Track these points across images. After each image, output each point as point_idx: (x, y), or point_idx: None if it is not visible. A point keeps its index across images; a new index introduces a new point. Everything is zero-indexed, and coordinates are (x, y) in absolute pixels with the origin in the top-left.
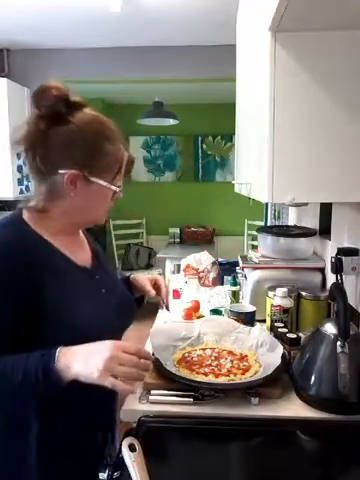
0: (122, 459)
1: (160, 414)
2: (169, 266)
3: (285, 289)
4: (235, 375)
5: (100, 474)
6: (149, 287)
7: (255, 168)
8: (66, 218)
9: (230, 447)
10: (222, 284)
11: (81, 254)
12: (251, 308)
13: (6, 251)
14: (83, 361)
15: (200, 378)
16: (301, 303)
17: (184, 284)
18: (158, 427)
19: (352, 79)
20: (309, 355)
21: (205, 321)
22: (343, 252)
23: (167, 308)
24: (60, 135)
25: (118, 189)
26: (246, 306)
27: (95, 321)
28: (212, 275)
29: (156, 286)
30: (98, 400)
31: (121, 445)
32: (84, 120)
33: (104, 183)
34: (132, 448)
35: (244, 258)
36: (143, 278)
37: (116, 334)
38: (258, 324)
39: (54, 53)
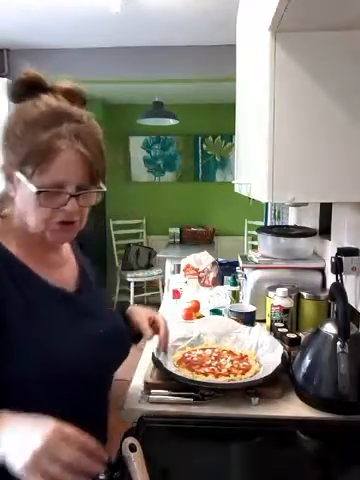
0: (122, 459)
1: (160, 414)
2: (169, 266)
3: (285, 289)
4: (235, 375)
5: (100, 474)
6: (146, 325)
7: (255, 168)
8: (22, 227)
9: (230, 447)
10: (222, 284)
11: (62, 273)
12: (251, 308)
13: None
14: (17, 440)
15: (200, 378)
16: (301, 303)
17: (184, 284)
18: (158, 427)
19: (352, 79)
20: (309, 355)
21: (205, 321)
22: (343, 252)
23: (165, 351)
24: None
25: (34, 189)
26: (246, 306)
27: (75, 356)
28: (212, 275)
29: (155, 325)
30: None
31: (121, 445)
32: (22, 105)
33: (23, 179)
34: (132, 448)
35: (244, 258)
36: (141, 313)
37: (107, 370)
38: (258, 324)
39: (54, 53)
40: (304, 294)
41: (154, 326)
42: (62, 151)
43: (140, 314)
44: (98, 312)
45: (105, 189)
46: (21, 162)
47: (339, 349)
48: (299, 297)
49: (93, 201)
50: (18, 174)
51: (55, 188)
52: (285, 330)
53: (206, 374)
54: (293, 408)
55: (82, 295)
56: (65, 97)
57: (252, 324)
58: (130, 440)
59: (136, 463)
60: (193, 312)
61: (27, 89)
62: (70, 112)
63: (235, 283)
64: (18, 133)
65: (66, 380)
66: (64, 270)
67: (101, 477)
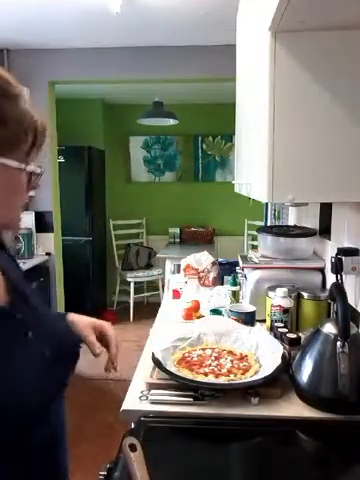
0: (122, 459)
1: (160, 414)
2: (169, 266)
3: (285, 289)
4: (235, 375)
5: (100, 473)
6: (93, 339)
7: (255, 168)
8: None
9: (230, 447)
10: (222, 284)
11: None
12: (251, 308)
13: None
14: None
15: (200, 378)
16: (301, 303)
17: (184, 284)
18: (158, 427)
19: (352, 79)
20: (309, 355)
21: (205, 321)
22: (343, 252)
23: (115, 369)
24: None
25: (39, 169)
26: (246, 306)
27: (11, 390)
28: (212, 275)
29: (104, 339)
30: None
31: (121, 445)
32: None
33: (10, 162)
34: (133, 448)
35: (244, 258)
36: (84, 323)
37: (55, 397)
38: (258, 324)
39: (54, 53)
40: (304, 294)
41: (103, 339)
42: (36, 122)
43: (84, 324)
44: (40, 324)
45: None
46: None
47: (339, 349)
48: (299, 297)
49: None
50: (3, 160)
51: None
52: (285, 330)
53: (206, 374)
54: (293, 408)
55: (17, 307)
56: None
57: (252, 324)
58: (130, 440)
59: (136, 463)
60: (193, 312)
61: None
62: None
63: (235, 283)
64: None
65: (14, 417)
66: None
67: (101, 477)
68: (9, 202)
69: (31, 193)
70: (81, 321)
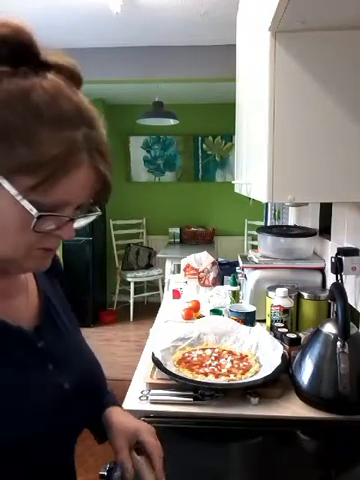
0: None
1: (160, 414)
2: (169, 266)
3: (285, 289)
4: (235, 375)
5: (100, 473)
6: (123, 455)
7: (255, 168)
8: None
9: (230, 447)
10: (222, 284)
11: (16, 305)
12: (251, 308)
13: None
14: None
15: (200, 378)
16: (301, 303)
17: (184, 284)
18: (158, 427)
19: (352, 79)
20: (309, 355)
21: (205, 321)
22: (343, 252)
23: None
24: None
25: (34, 211)
26: (246, 306)
27: (27, 416)
28: (212, 275)
29: (146, 454)
30: None
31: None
32: (29, 83)
33: (12, 190)
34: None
35: (244, 258)
36: (119, 429)
37: (69, 438)
38: (258, 324)
39: None
40: (304, 294)
41: (142, 448)
42: (80, 168)
43: (119, 432)
44: (65, 356)
45: (100, 213)
46: (14, 166)
47: (339, 349)
48: (299, 297)
49: (85, 224)
50: (1, 180)
51: (57, 211)
52: (285, 330)
53: (206, 374)
54: (293, 408)
55: (43, 334)
56: (69, 80)
57: (252, 324)
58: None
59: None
60: (193, 312)
61: (13, 53)
62: (90, 114)
63: (235, 283)
64: (14, 122)
65: (9, 460)
66: (18, 302)
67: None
68: (6, 235)
69: (61, 234)
70: (118, 424)
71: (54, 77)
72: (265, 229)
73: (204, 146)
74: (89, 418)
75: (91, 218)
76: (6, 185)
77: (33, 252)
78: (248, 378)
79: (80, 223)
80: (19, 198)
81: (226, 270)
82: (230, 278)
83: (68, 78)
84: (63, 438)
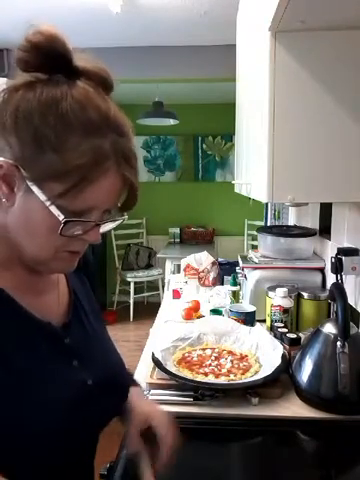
0: (122, 458)
1: None
2: (169, 266)
3: (285, 289)
4: (235, 375)
5: (100, 473)
6: (132, 432)
7: (255, 168)
8: (5, 240)
9: (230, 447)
10: (222, 284)
11: (47, 301)
12: (251, 308)
13: None
14: None
15: (200, 378)
16: (301, 303)
17: (184, 284)
18: None
19: (352, 79)
20: (309, 355)
21: (205, 321)
22: (343, 252)
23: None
24: (12, 104)
25: (62, 217)
26: (246, 306)
27: (50, 409)
28: (212, 275)
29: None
30: None
31: (121, 445)
32: (60, 92)
33: (41, 195)
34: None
35: (244, 258)
36: (137, 412)
37: (91, 433)
38: (258, 324)
39: None
40: (304, 294)
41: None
42: (107, 175)
43: (136, 415)
44: (89, 353)
45: (126, 217)
46: (44, 173)
47: (339, 349)
48: (299, 297)
49: (111, 228)
50: (31, 185)
51: (84, 216)
52: (285, 330)
53: (206, 374)
54: (293, 408)
55: (70, 331)
56: (99, 87)
57: (252, 324)
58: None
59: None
60: (193, 312)
61: (46, 61)
62: (118, 122)
63: (235, 283)
64: (45, 129)
65: (31, 453)
66: (49, 298)
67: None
68: (37, 239)
69: (87, 238)
70: (133, 407)
71: (84, 85)
72: (265, 229)
73: (204, 146)
74: (110, 416)
75: (117, 222)
76: (36, 190)
77: (60, 254)
78: (248, 378)
79: (106, 227)
80: (48, 203)
81: (226, 270)
82: (230, 278)
83: (98, 84)
84: (83, 434)
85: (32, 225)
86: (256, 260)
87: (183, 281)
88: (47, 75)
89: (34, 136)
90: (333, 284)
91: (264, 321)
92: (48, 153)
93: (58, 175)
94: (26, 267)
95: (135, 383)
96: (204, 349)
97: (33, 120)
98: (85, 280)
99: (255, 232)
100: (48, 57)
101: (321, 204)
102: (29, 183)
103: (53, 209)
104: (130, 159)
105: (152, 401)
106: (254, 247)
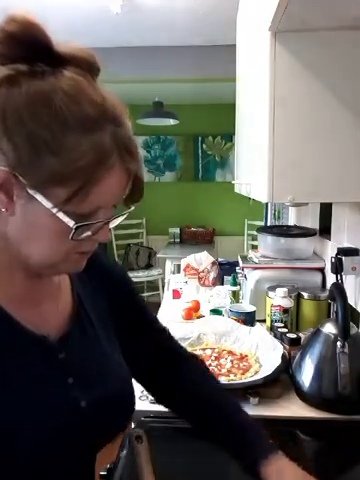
0: (123, 458)
1: (160, 414)
2: (169, 266)
3: (285, 289)
4: (235, 375)
5: (100, 473)
6: None
7: (255, 168)
8: (5, 249)
9: None
10: (222, 284)
11: (45, 311)
12: (251, 308)
13: None
14: None
15: None
16: (301, 303)
17: (184, 284)
18: (158, 427)
19: (352, 79)
20: (309, 355)
21: (205, 321)
22: (343, 252)
23: None
24: None
25: (72, 223)
26: (246, 306)
27: (38, 430)
28: (212, 275)
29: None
30: None
31: (123, 440)
32: (49, 86)
33: (47, 203)
34: (139, 440)
35: (244, 258)
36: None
37: (88, 453)
38: (258, 324)
39: None
40: (304, 294)
41: None
42: (112, 172)
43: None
44: (88, 369)
45: (133, 208)
46: (45, 178)
47: (339, 349)
48: (299, 297)
49: (119, 223)
50: (33, 193)
51: (93, 216)
52: (285, 330)
53: None
54: (293, 408)
55: (68, 343)
56: (87, 73)
57: (252, 324)
58: (137, 432)
59: (143, 456)
60: (193, 312)
61: (25, 51)
62: (115, 110)
63: (235, 283)
64: (39, 130)
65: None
66: (47, 308)
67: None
68: (44, 246)
69: (98, 238)
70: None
71: (72, 74)
72: (265, 229)
73: (204, 146)
74: (108, 437)
75: (124, 216)
76: (40, 198)
77: (70, 256)
78: (248, 378)
79: (115, 223)
80: (55, 211)
81: (226, 270)
82: (230, 278)
83: (86, 71)
84: (75, 456)
85: (39, 233)
86: (256, 260)
87: (183, 281)
88: (28, 66)
89: (28, 139)
90: (333, 284)
91: (264, 321)
92: (46, 157)
93: (61, 179)
94: (26, 275)
95: (266, 442)
96: (204, 349)
97: (24, 121)
98: (95, 283)
99: (255, 232)
100: (27, 46)
101: (321, 204)
102: (30, 191)
103: (61, 216)
104: (132, 150)
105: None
106: (254, 247)
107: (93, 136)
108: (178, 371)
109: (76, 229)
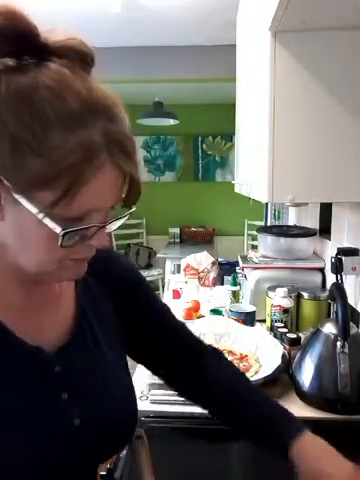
0: (123, 457)
1: (160, 414)
2: (169, 266)
3: (285, 289)
4: None
5: (100, 473)
6: None
7: (255, 168)
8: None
9: (230, 447)
10: (222, 284)
11: (43, 321)
12: (251, 308)
13: None
14: None
15: None
16: (301, 303)
17: (184, 284)
18: (158, 427)
19: (352, 79)
20: (309, 355)
21: (205, 321)
22: (343, 252)
23: None
24: None
25: (59, 229)
26: (246, 306)
27: (25, 456)
28: (212, 275)
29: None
30: None
31: None
32: (29, 82)
33: (32, 208)
34: (139, 440)
35: (244, 258)
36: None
37: (84, 468)
38: (258, 324)
39: None
40: (304, 294)
41: None
42: (102, 170)
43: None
44: (85, 384)
45: (134, 209)
46: (29, 181)
47: (339, 349)
48: (299, 297)
49: (118, 226)
50: (18, 197)
51: (84, 220)
52: (285, 330)
53: None
54: (293, 408)
55: (66, 356)
56: (76, 64)
57: (252, 324)
58: (137, 432)
59: (143, 456)
60: (193, 312)
61: (10, 44)
62: (106, 104)
63: (235, 283)
64: (20, 130)
65: None
66: (45, 318)
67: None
68: (34, 253)
69: (93, 243)
70: (306, 469)
71: (58, 66)
72: (265, 229)
73: (204, 146)
74: (107, 454)
75: (124, 218)
76: (25, 203)
77: (66, 263)
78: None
79: (113, 227)
80: (41, 216)
81: (226, 270)
82: (230, 278)
83: (75, 61)
84: (73, 471)
85: (27, 240)
86: (256, 260)
87: (183, 281)
88: (16, 60)
89: (10, 141)
90: (333, 284)
91: (264, 321)
92: (30, 158)
93: (46, 182)
94: (23, 283)
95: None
96: None
97: (4, 122)
98: (106, 287)
99: (255, 232)
100: (11, 39)
101: (321, 204)
102: (16, 195)
103: (47, 221)
104: (125, 146)
105: (326, 449)
106: (254, 247)
107: (80, 133)
108: (202, 365)
109: (64, 235)
